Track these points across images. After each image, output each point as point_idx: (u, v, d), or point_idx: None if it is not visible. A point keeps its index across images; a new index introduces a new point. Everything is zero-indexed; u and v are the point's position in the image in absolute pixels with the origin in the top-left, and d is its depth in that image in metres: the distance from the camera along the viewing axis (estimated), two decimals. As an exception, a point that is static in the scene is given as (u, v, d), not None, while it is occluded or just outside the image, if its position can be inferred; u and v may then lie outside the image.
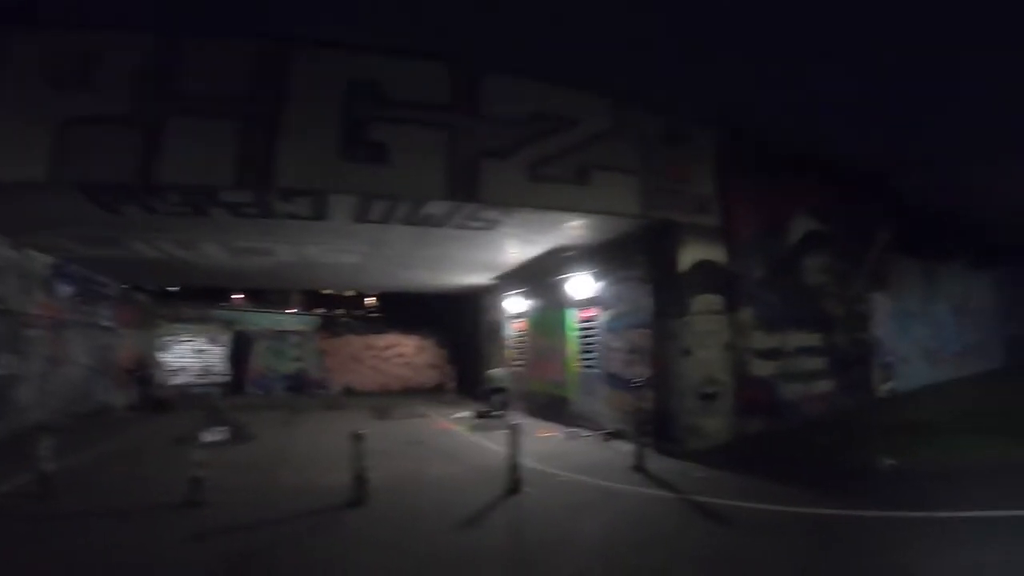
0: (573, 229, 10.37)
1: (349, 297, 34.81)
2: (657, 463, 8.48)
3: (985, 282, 18.04)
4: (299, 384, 22.63)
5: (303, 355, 23.52)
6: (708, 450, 9.17)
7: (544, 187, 8.65)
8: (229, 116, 7.30)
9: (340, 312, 31.38)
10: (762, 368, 10.32)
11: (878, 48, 7.46)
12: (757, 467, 8.15)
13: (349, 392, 21.43)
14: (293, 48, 7.56)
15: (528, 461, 7.70)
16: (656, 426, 9.71)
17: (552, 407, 13.72)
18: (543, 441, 10.88)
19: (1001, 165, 11.95)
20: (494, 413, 13.78)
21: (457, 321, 21.68)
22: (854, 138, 10.52)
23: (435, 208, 8.89)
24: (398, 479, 7.62)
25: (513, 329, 16.61)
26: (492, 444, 9.93)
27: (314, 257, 12.73)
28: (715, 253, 10.04)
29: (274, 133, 7.37)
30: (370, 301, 33.43)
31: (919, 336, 14.26)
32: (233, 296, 28.90)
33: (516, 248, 12.10)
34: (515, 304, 16.06)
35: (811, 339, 11.14)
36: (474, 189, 8.22)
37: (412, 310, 23.21)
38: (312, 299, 32.45)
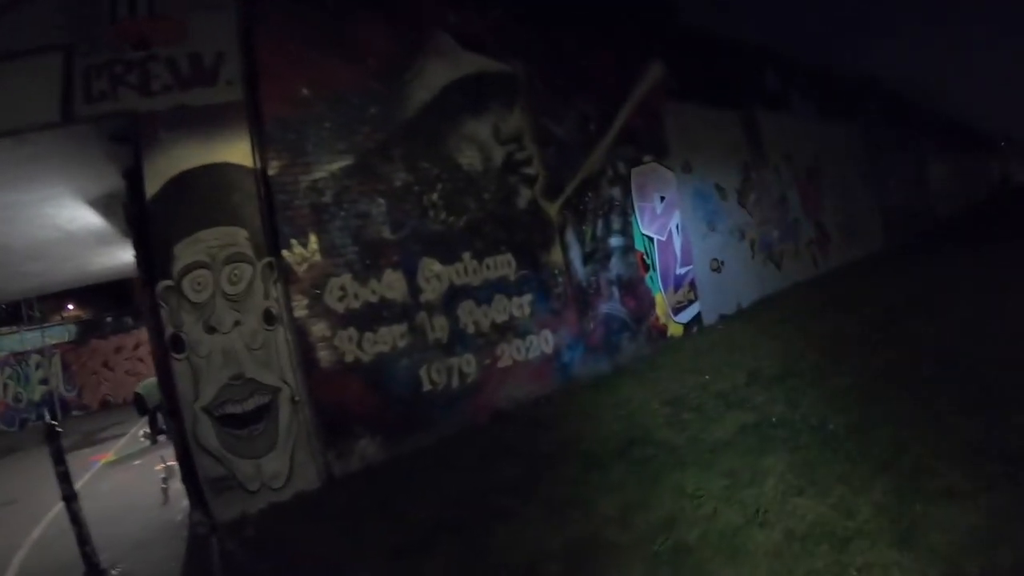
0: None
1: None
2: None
3: (844, 140, 13.45)
4: (53, 409, 19.13)
5: (50, 375, 19.94)
6: (256, 518, 4.71)
7: None
8: None
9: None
10: (362, 345, 5.21)
11: None
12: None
13: (105, 405, 18.89)
14: None
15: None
16: (184, 474, 5.28)
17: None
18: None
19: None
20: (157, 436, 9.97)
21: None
22: None
23: None
24: None
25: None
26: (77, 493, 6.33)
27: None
28: (232, 151, 5.04)
29: None
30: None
31: (737, 225, 9.35)
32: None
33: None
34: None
35: (495, 268, 6.00)
36: None
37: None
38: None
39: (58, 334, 21.72)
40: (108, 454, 10.30)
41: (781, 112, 11.10)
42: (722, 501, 3.10)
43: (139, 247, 5.45)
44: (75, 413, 18.85)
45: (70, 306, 24.53)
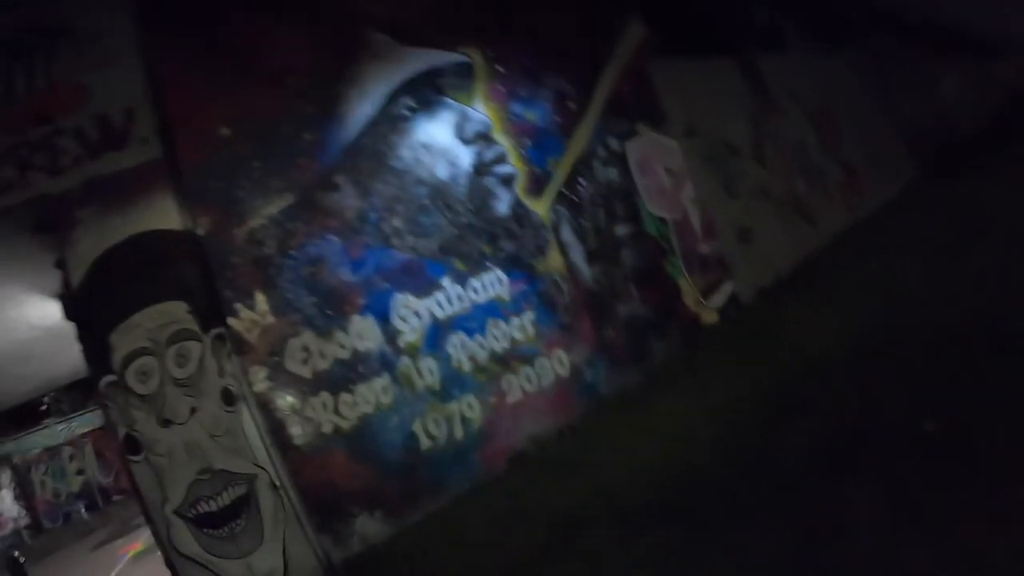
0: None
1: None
2: None
3: (851, 68, 12.23)
4: (93, 499, 19.49)
5: (85, 465, 20.05)
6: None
7: None
8: None
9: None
10: (339, 410, 4.61)
11: None
12: None
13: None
14: None
15: None
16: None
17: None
18: None
19: None
20: None
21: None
22: None
23: None
24: None
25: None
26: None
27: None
28: (156, 216, 4.48)
29: None
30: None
31: (758, 184, 8.25)
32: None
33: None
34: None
35: (483, 290, 5.14)
36: None
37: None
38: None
39: (88, 421, 21.51)
40: (138, 543, 9.90)
41: (779, 50, 9.97)
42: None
43: (80, 341, 4.71)
44: (116, 498, 18.99)
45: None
